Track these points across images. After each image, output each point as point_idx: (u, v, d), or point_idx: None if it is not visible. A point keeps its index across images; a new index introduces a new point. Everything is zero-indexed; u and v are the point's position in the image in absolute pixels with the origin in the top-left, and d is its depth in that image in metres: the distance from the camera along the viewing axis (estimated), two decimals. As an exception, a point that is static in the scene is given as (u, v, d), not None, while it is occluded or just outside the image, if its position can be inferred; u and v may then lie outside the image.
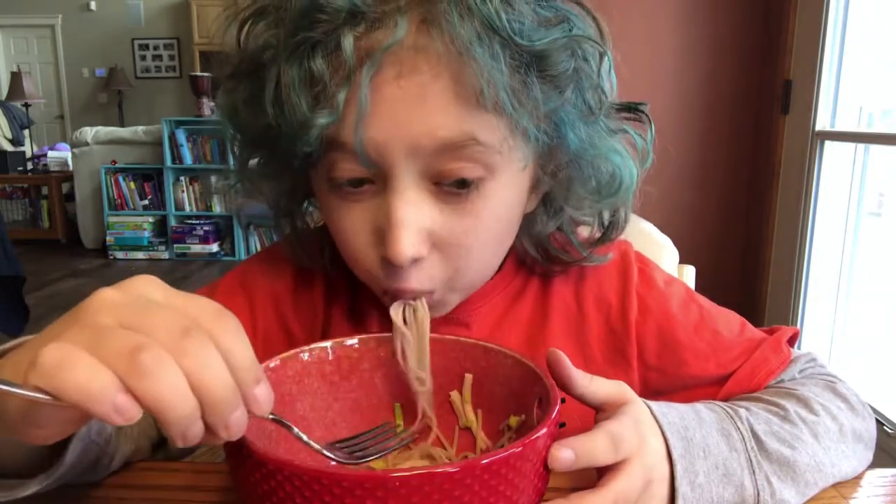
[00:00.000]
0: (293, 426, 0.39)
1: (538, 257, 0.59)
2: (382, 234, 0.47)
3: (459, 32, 0.41)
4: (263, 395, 0.32)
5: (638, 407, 0.44)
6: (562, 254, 0.59)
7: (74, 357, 0.28)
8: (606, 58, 0.49)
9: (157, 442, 0.57)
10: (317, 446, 0.40)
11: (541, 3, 0.45)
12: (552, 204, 0.57)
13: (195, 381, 0.29)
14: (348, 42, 0.42)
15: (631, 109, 0.55)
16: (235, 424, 0.31)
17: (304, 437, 0.40)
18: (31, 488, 0.42)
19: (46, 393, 0.28)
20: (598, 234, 0.59)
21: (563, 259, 0.59)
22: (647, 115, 0.56)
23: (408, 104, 0.43)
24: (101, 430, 0.47)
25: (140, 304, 0.31)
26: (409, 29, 0.42)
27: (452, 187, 0.47)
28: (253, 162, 0.56)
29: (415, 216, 0.46)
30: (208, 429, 0.30)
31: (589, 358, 0.60)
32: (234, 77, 0.51)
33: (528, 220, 0.56)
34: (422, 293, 0.50)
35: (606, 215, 0.58)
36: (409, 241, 0.46)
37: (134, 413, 0.28)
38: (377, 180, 0.47)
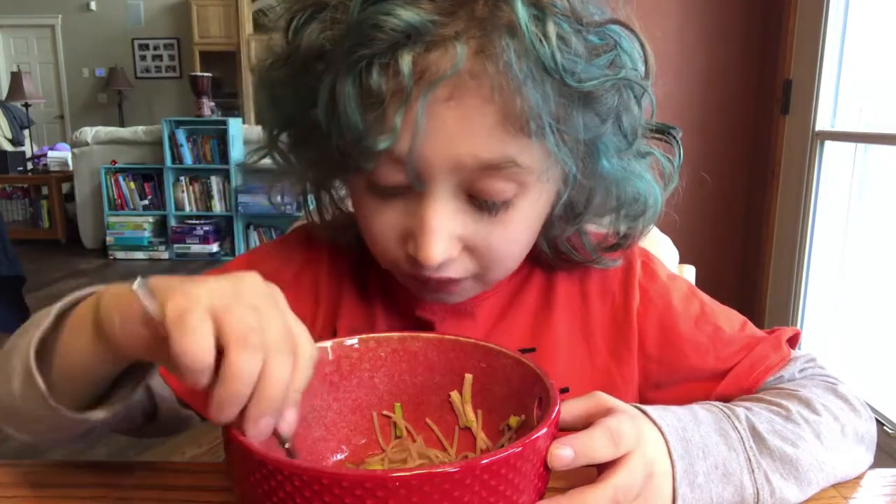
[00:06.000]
0: (296, 452, 0.40)
1: (549, 254, 0.61)
2: (412, 236, 0.49)
3: (514, 70, 0.42)
4: (292, 419, 0.38)
5: (628, 406, 0.45)
6: (573, 253, 0.60)
7: (201, 328, 0.34)
8: (647, 94, 0.51)
9: (149, 412, 0.57)
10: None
11: (590, 31, 0.46)
12: (571, 212, 0.57)
13: (265, 375, 0.35)
14: (406, 63, 0.43)
15: (663, 132, 0.57)
16: (262, 427, 0.35)
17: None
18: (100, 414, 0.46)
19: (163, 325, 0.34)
20: (611, 241, 0.60)
21: (572, 258, 0.60)
22: (677, 140, 0.57)
23: (455, 124, 0.45)
24: None
25: (275, 305, 0.38)
26: (465, 56, 0.43)
27: (485, 201, 0.49)
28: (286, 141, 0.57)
29: (448, 224, 0.48)
30: (241, 414, 0.35)
31: (593, 347, 0.61)
32: (282, 67, 0.51)
33: (545, 224, 0.57)
34: (453, 281, 0.52)
35: (623, 229, 0.59)
36: (440, 247, 0.48)
37: (199, 387, 0.34)
38: (414, 186, 0.48)
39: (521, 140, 0.45)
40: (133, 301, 0.37)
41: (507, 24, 0.43)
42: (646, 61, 0.50)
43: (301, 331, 0.38)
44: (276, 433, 0.37)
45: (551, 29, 0.43)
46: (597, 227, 0.60)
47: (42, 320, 0.45)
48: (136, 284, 0.36)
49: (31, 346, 0.44)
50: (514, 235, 0.51)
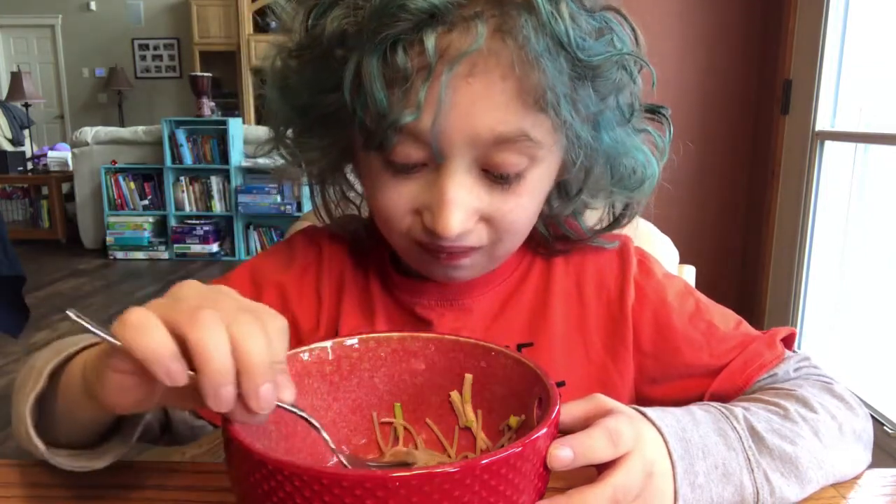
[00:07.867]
0: (318, 423, 0.42)
1: (546, 234, 0.63)
2: (428, 208, 0.51)
3: (532, 45, 0.45)
4: (290, 388, 0.37)
5: (627, 408, 0.45)
6: (569, 232, 0.63)
7: (151, 324, 0.34)
8: (646, 69, 0.54)
9: (164, 423, 0.59)
10: (332, 445, 0.42)
11: (592, 15, 0.50)
12: (568, 190, 0.60)
13: (239, 346, 0.34)
14: (431, 42, 0.45)
15: (654, 112, 0.59)
16: (265, 395, 0.34)
17: (326, 436, 0.42)
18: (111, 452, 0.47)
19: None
20: (606, 223, 0.63)
21: (569, 237, 0.63)
22: (667, 118, 0.60)
23: (474, 99, 0.47)
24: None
25: (218, 292, 0.38)
26: (485, 34, 0.45)
27: (499, 175, 0.51)
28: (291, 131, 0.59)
29: (464, 197, 0.50)
30: (240, 398, 0.34)
31: (588, 342, 0.61)
32: (299, 57, 0.53)
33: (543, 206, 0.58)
34: (464, 251, 0.53)
35: (619, 206, 0.62)
36: (457, 218, 0.50)
37: (180, 379, 0.33)
38: (430, 163, 0.50)
39: (535, 115, 0.48)
40: (101, 352, 0.37)
41: (525, 3, 0.46)
42: (637, 44, 0.53)
43: (261, 305, 0.37)
44: (286, 408, 0.38)
45: (564, 8, 0.46)
46: (593, 211, 0.63)
47: (40, 372, 0.46)
48: (72, 314, 0.35)
49: (27, 410, 0.46)
50: (524, 204, 0.53)
